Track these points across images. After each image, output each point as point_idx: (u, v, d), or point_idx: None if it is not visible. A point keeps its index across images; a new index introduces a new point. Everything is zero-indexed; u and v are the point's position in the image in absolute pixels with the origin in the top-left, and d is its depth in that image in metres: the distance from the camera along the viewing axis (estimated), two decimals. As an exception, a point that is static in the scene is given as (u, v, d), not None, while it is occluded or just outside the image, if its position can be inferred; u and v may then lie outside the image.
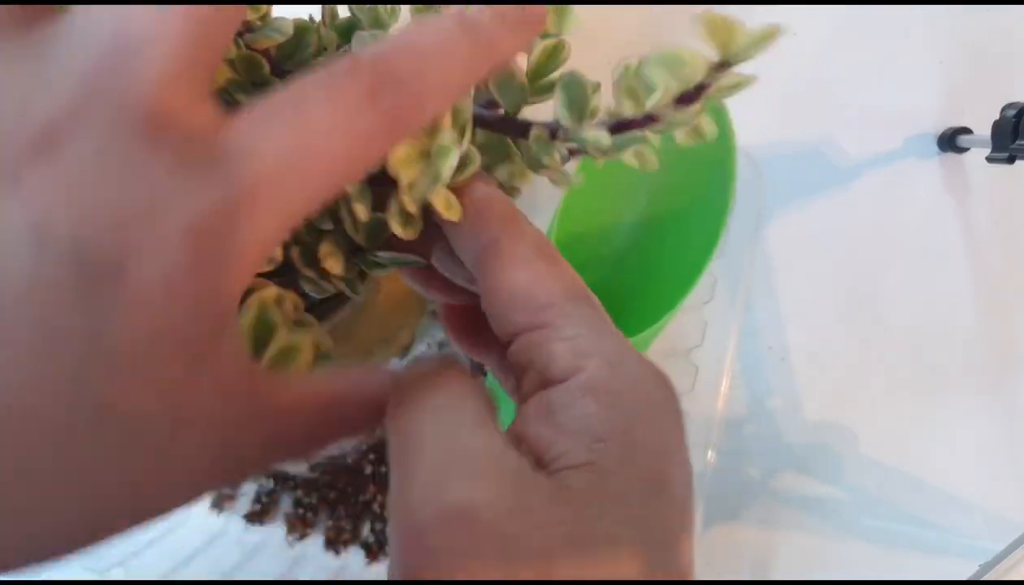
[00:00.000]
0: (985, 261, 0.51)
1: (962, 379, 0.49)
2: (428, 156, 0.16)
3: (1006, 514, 0.48)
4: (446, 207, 0.17)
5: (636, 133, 0.17)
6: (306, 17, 0.25)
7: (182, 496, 0.13)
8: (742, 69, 0.15)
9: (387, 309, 0.34)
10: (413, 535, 0.12)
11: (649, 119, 0.16)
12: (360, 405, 0.15)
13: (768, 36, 0.14)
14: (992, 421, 0.49)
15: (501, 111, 0.19)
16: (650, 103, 0.16)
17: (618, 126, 0.16)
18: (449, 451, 0.13)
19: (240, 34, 0.22)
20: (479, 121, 0.19)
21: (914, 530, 0.47)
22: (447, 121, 0.16)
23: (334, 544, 0.43)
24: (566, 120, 0.17)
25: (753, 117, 0.51)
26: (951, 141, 0.50)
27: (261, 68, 0.23)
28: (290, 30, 0.22)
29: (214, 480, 0.13)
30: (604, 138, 0.16)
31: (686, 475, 0.15)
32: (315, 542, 0.43)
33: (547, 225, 0.47)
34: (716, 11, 0.14)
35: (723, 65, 0.15)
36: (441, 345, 0.46)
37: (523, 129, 0.18)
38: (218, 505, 0.44)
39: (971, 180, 0.52)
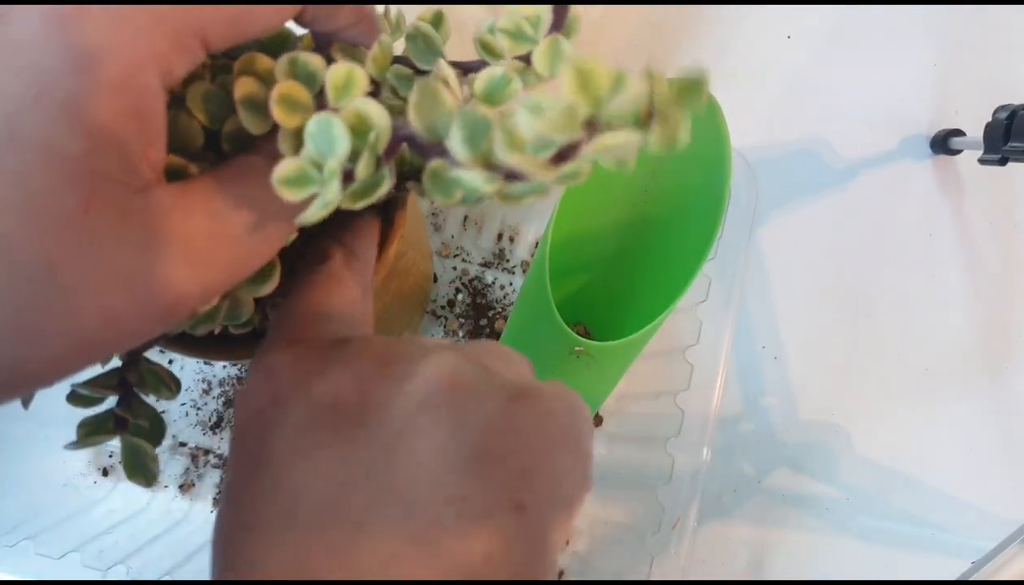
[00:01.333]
0: (978, 262, 0.51)
1: (955, 378, 0.50)
2: (315, 175, 0.15)
3: (998, 512, 0.48)
4: None
5: (530, 183, 0.15)
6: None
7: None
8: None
9: (392, 310, 0.34)
10: None
11: (516, 175, 0.14)
12: None
13: (641, 94, 0.12)
14: (985, 420, 0.50)
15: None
16: (519, 159, 0.14)
17: (510, 175, 0.15)
18: None
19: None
20: (409, 141, 0.17)
21: (907, 528, 0.48)
22: (343, 137, 0.15)
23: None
24: (463, 157, 0.15)
25: (747, 119, 0.52)
26: (944, 143, 0.51)
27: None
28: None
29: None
30: (481, 184, 0.15)
31: None
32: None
33: (543, 227, 0.47)
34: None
35: (593, 124, 0.12)
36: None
37: (428, 157, 0.16)
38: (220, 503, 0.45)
39: (964, 182, 0.52)
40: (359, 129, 0.16)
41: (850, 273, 0.51)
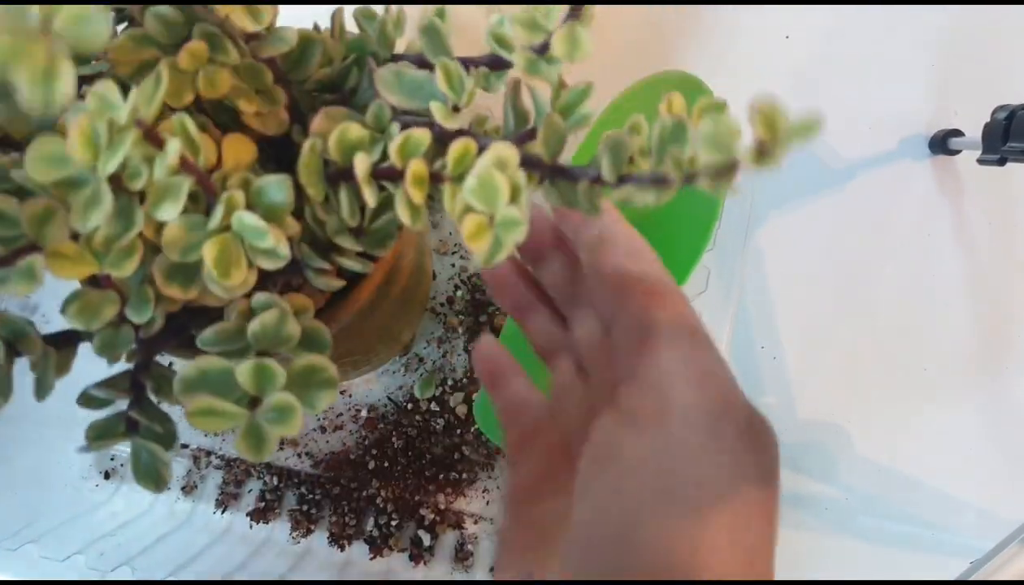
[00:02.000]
0: (976, 261, 0.51)
1: (954, 378, 0.50)
2: (493, 226, 0.18)
3: (998, 512, 0.48)
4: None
5: (665, 187, 0.18)
6: (311, 27, 0.25)
7: None
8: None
9: (392, 310, 0.34)
10: None
11: (687, 178, 0.17)
12: None
13: (810, 128, 0.15)
14: (985, 420, 0.50)
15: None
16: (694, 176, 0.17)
17: (658, 180, 0.18)
18: None
19: (246, 41, 0.23)
20: (531, 167, 0.20)
21: (907, 528, 0.48)
22: (505, 189, 0.18)
23: (338, 539, 0.44)
24: (609, 177, 0.19)
25: (746, 118, 0.52)
26: (943, 143, 0.51)
27: (264, 77, 0.23)
28: (294, 40, 0.23)
29: None
30: (650, 198, 0.18)
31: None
32: (319, 537, 0.44)
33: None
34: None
35: (763, 150, 0.15)
36: (440, 341, 0.47)
37: (572, 179, 0.20)
38: (222, 504, 0.45)
39: (963, 182, 0.52)
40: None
41: (849, 273, 0.51)
